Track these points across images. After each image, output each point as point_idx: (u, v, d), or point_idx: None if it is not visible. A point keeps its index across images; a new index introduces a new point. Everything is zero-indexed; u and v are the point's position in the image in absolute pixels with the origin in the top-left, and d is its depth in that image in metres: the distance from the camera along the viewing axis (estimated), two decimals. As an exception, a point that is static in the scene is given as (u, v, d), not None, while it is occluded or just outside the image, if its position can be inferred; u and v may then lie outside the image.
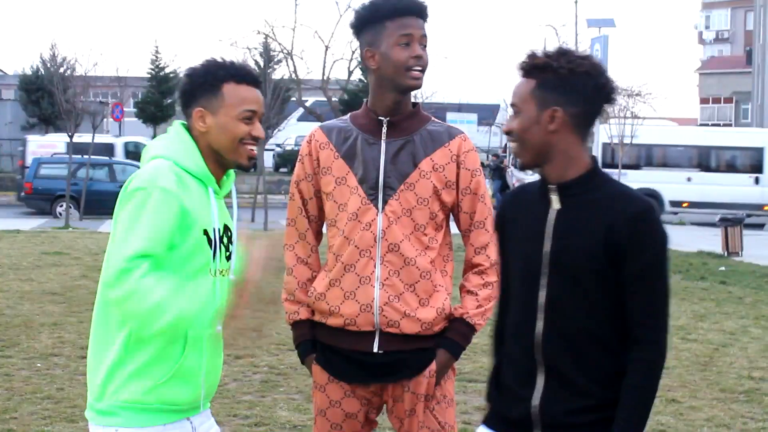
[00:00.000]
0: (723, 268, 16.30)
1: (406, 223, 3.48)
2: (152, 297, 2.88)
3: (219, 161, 3.19)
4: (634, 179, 25.88)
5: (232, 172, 3.31)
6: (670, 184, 28.34)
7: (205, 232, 3.09)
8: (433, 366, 3.53)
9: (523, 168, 3.03)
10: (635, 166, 28.81)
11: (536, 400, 2.96)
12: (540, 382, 2.96)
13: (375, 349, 3.51)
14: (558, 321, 2.93)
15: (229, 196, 3.31)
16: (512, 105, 2.98)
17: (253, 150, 3.20)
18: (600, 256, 2.88)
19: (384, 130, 3.54)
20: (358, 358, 3.54)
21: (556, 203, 2.97)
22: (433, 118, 3.65)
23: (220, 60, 3.22)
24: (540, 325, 2.95)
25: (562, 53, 2.93)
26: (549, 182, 2.98)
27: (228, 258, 3.23)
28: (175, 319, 2.92)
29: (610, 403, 2.90)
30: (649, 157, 29.87)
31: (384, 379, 3.57)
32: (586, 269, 2.89)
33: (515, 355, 3.03)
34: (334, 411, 3.62)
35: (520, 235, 3.04)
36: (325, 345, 3.61)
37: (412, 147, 3.52)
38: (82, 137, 27.50)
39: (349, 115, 3.68)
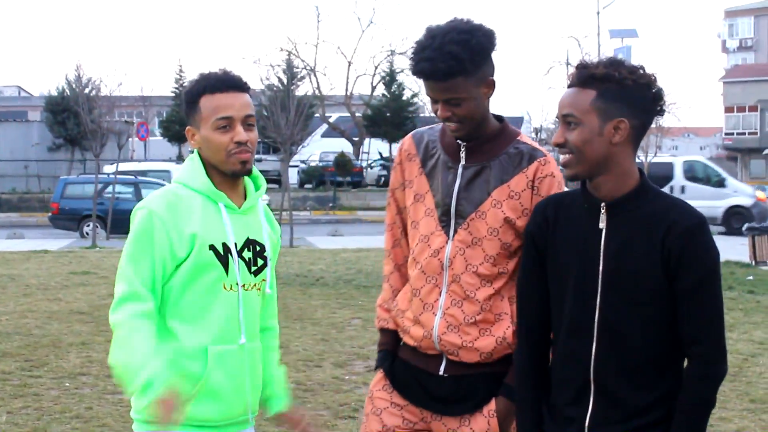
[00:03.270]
0: (751, 278, 16.19)
1: (475, 254, 3.35)
2: (126, 341, 3.03)
3: (221, 172, 3.20)
4: None
5: (261, 183, 3.31)
6: None
7: (212, 248, 3.12)
8: (492, 405, 3.40)
9: (573, 179, 2.97)
10: None
11: (588, 421, 2.94)
12: (591, 402, 2.94)
13: (441, 372, 3.43)
14: (612, 341, 2.90)
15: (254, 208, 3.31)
16: (566, 116, 2.90)
17: (243, 154, 3.16)
18: (658, 273, 2.86)
19: (462, 154, 3.40)
20: (426, 382, 3.46)
21: (605, 221, 2.92)
22: (519, 137, 3.43)
23: (201, 74, 3.24)
24: (594, 346, 2.92)
25: (619, 63, 2.89)
26: (598, 197, 2.93)
27: (255, 273, 3.23)
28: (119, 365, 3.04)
29: (665, 419, 2.90)
30: None
31: (443, 410, 3.45)
32: (644, 288, 2.87)
33: (566, 374, 3.01)
34: (375, 419, 3.54)
35: (568, 251, 2.98)
36: (402, 360, 3.54)
37: (488, 174, 3.36)
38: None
39: (440, 126, 3.53)
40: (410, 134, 3.59)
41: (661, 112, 2.94)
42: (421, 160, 3.46)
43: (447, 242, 3.37)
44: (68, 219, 27.38)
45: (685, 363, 2.95)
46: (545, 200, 3.12)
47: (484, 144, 3.38)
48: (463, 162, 3.39)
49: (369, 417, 3.56)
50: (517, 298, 3.16)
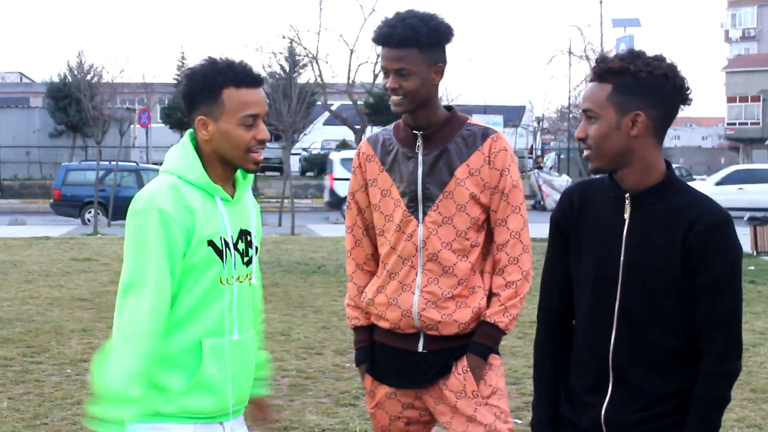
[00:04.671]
0: (752, 268, 16.18)
1: (447, 231, 3.60)
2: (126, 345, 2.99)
3: (226, 165, 3.17)
4: None
5: (249, 174, 3.29)
6: None
7: (211, 243, 3.09)
8: (463, 361, 3.64)
9: (596, 172, 2.97)
10: None
11: (605, 408, 2.95)
12: (609, 390, 2.95)
13: (420, 349, 3.67)
14: (631, 331, 2.91)
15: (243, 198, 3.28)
16: (585, 110, 2.90)
17: (260, 154, 3.16)
18: (677, 265, 2.86)
19: (419, 143, 3.63)
20: (405, 361, 3.69)
21: (629, 212, 2.92)
22: (469, 120, 3.69)
23: (219, 61, 3.14)
24: (613, 334, 2.93)
25: (637, 55, 2.87)
26: (623, 188, 2.93)
27: (247, 263, 3.22)
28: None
29: (681, 408, 2.90)
30: None
31: (423, 382, 3.69)
32: (663, 280, 2.87)
33: (585, 361, 3.02)
34: (380, 413, 3.79)
35: (591, 239, 2.98)
36: (378, 343, 3.78)
37: (448, 156, 3.60)
38: None
39: (393, 125, 3.77)
40: (365, 139, 3.87)
41: (686, 101, 2.91)
42: (379, 159, 3.70)
43: (418, 225, 3.62)
44: (70, 205, 27.37)
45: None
46: (572, 187, 3.13)
47: (438, 131, 3.63)
48: (422, 150, 3.63)
49: (375, 413, 3.80)
50: (541, 281, 3.18)
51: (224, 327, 3.14)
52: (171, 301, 3.07)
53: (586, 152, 2.95)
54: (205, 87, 3.11)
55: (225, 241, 3.13)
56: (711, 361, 2.88)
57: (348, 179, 3.96)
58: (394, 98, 3.57)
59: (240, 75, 3.11)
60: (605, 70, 2.87)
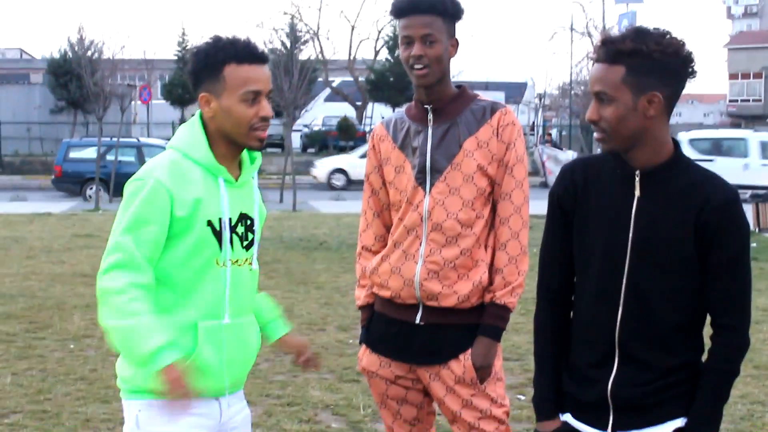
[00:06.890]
0: (754, 245, 16.18)
1: (454, 201, 3.63)
2: (115, 300, 2.99)
3: (231, 143, 3.16)
4: None
5: (257, 156, 3.28)
6: None
7: (210, 223, 3.08)
8: (467, 352, 3.67)
9: (610, 152, 2.94)
10: None
11: (611, 383, 2.96)
12: (615, 365, 2.96)
13: (417, 321, 3.69)
14: (638, 307, 2.92)
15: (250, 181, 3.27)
16: (598, 93, 2.85)
17: (264, 132, 3.14)
18: (689, 243, 2.86)
19: (430, 117, 3.69)
20: (402, 332, 3.73)
21: (640, 190, 2.91)
22: (478, 97, 3.76)
23: (222, 39, 3.14)
24: (620, 311, 2.93)
25: (645, 34, 2.81)
26: (633, 167, 2.91)
27: (247, 247, 3.20)
28: (115, 329, 3.00)
29: (687, 379, 2.94)
30: None
31: (422, 360, 3.73)
32: (674, 257, 2.88)
33: (591, 337, 3.01)
34: (375, 381, 3.83)
35: (598, 216, 2.97)
36: (377, 313, 3.82)
37: (456, 129, 3.65)
38: None
39: (405, 106, 3.87)
40: (379, 122, 3.94)
41: (693, 75, 2.89)
42: (392, 138, 3.77)
43: (425, 196, 3.67)
44: (71, 182, 27.36)
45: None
46: (571, 163, 3.11)
47: (447, 105, 3.69)
48: (431, 123, 3.69)
49: (371, 381, 3.86)
50: (540, 258, 3.17)
51: (219, 309, 3.13)
52: (164, 278, 3.08)
53: (598, 134, 2.91)
54: (208, 64, 3.11)
55: (222, 222, 3.11)
56: (727, 334, 2.93)
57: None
58: (418, 68, 3.59)
59: (242, 51, 3.10)
60: (616, 52, 2.81)
